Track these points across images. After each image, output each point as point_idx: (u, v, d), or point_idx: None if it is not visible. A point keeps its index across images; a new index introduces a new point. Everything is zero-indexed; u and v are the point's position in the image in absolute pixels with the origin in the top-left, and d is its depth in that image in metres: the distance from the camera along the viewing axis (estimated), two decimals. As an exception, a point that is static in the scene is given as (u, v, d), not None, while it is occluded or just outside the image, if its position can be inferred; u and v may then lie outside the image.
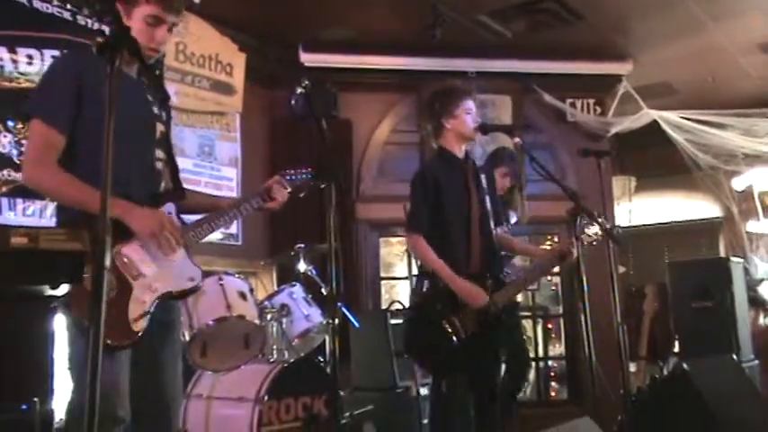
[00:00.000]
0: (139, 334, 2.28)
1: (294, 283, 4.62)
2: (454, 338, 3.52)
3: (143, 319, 2.30)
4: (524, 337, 4.70)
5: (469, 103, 3.79)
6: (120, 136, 2.22)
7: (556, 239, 7.05)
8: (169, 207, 2.52)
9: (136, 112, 2.49)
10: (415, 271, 5.29)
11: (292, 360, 4.20)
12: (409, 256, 5.43)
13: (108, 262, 1.66)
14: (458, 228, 3.68)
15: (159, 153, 2.58)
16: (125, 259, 2.34)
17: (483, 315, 3.55)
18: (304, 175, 2.88)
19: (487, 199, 3.81)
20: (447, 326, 3.53)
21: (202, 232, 2.60)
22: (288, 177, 2.84)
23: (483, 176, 3.87)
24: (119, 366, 2.28)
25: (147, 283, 2.36)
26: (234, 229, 6.01)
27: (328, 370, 4.02)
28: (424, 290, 3.69)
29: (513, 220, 4.74)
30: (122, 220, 2.30)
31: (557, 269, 7.15)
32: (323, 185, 2.79)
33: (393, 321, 5.10)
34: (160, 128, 2.61)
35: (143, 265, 2.37)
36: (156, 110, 2.60)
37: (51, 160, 2.35)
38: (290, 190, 2.83)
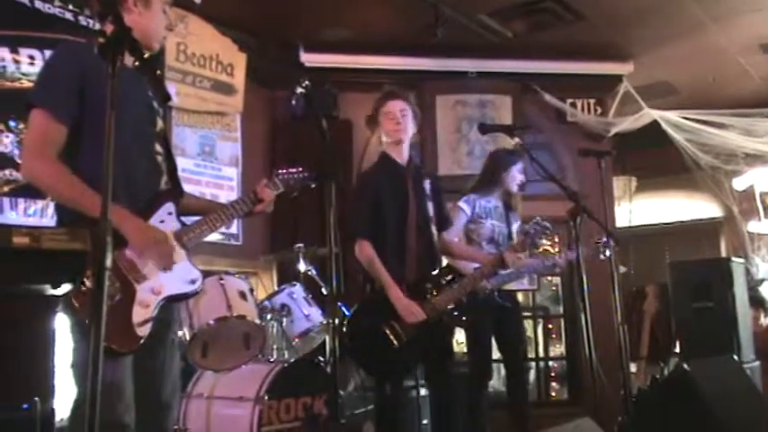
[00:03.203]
0: (143, 339, 2.26)
1: (294, 282, 4.62)
2: (395, 342, 3.55)
3: (147, 325, 2.28)
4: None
5: (389, 105, 3.79)
6: (125, 131, 2.23)
7: (556, 239, 7.04)
8: (169, 207, 2.50)
9: (139, 107, 2.49)
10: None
11: (292, 360, 4.20)
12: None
13: (109, 262, 1.65)
14: (394, 233, 3.70)
15: (158, 148, 2.57)
16: (128, 262, 2.31)
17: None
18: (297, 175, 2.88)
19: (429, 204, 3.83)
20: (387, 330, 3.56)
21: (201, 234, 2.58)
22: (280, 177, 2.84)
23: (428, 182, 3.88)
24: (123, 372, 2.25)
25: (150, 287, 2.34)
26: (234, 228, 6.02)
27: (328, 370, 4.03)
28: (367, 292, 3.73)
29: (516, 224, 4.74)
30: (118, 229, 2.23)
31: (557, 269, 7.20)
32: (314, 185, 2.81)
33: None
34: (159, 123, 2.60)
35: (146, 269, 2.35)
36: (156, 105, 2.60)
37: (51, 153, 2.30)
38: (282, 189, 2.83)
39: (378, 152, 3.92)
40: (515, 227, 4.72)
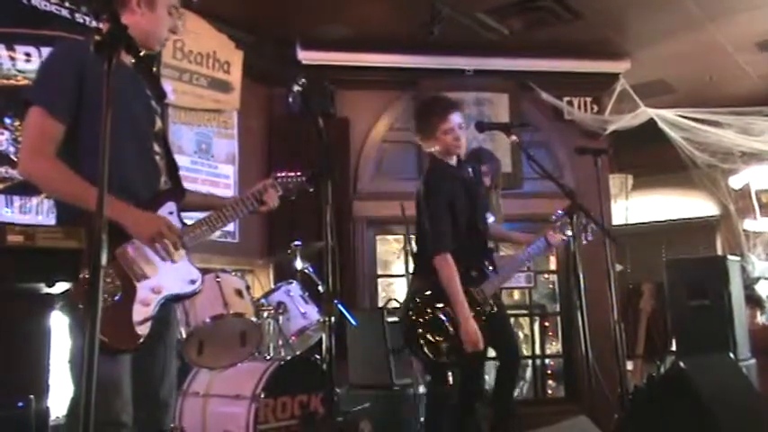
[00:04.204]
0: (142, 338, 2.26)
1: (291, 280, 4.62)
2: (450, 329, 3.57)
3: (147, 323, 2.28)
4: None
5: (451, 120, 3.78)
6: (123, 131, 2.22)
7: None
8: (170, 206, 2.49)
9: (137, 106, 2.49)
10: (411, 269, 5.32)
11: (289, 358, 4.20)
12: (406, 254, 5.46)
13: (104, 260, 1.65)
14: (465, 238, 3.74)
15: (157, 147, 2.56)
16: (130, 260, 2.31)
17: (476, 307, 3.64)
18: (296, 179, 2.87)
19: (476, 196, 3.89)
20: (441, 316, 3.58)
21: (201, 234, 2.58)
22: (280, 180, 2.83)
23: (470, 169, 3.93)
24: (121, 370, 2.25)
25: (150, 285, 2.34)
26: (230, 226, 6.00)
27: (325, 368, 4.03)
28: (421, 285, 3.76)
29: (491, 219, 4.80)
30: (119, 222, 2.25)
31: (554, 267, 7.21)
32: (312, 189, 2.80)
33: (390, 319, 5.10)
34: (158, 122, 2.59)
35: (147, 267, 2.34)
36: (154, 104, 2.60)
37: (49, 151, 2.29)
38: (281, 193, 2.83)
39: (428, 157, 3.95)
40: (490, 222, 4.77)
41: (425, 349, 3.71)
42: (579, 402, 6.53)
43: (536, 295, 7.43)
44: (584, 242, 3.95)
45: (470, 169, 3.94)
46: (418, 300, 3.75)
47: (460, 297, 3.58)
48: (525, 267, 4.94)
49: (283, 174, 2.86)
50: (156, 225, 2.35)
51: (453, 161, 3.87)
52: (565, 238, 3.89)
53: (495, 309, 3.78)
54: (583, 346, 3.37)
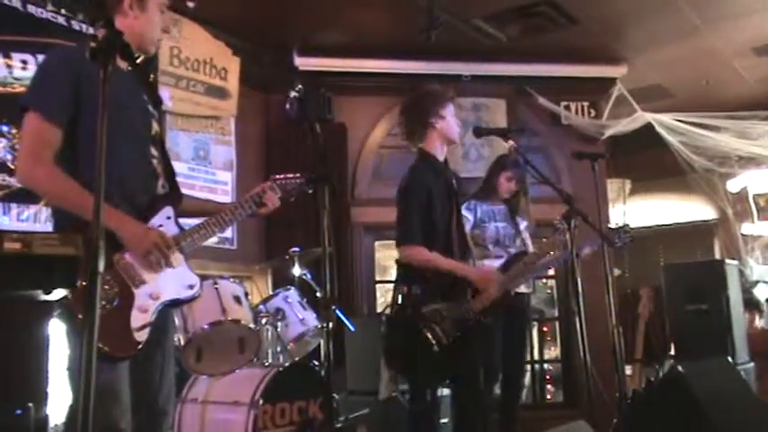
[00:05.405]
0: (141, 345, 2.26)
1: (289, 287, 4.62)
2: (435, 346, 3.44)
3: (145, 330, 2.27)
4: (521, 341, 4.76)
5: (451, 107, 3.81)
6: (120, 135, 2.21)
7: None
8: (168, 211, 2.48)
9: (134, 111, 2.48)
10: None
11: (287, 364, 4.19)
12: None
13: (101, 267, 1.65)
14: (443, 235, 3.64)
15: (154, 151, 2.55)
16: (127, 266, 2.30)
17: (462, 320, 3.51)
18: (295, 181, 2.88)
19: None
20: (427, 333, 3.45)
21: (199, 238, 2.57)
22: (279, 182, 2.83)
23: (453, 179, 3.83)
24: (119, 378, 2.25)
25: (148, 291, 2.33)
26: (228, 232, 6.00)
27: (323, 374, 4.03)
28: (402, 298, 3.61)
29: (524, 224, 4.77)
30: (115, 233, 2.25)
31: (552, 272, 7.21)
32: (311, 191, 2.80)
33: (388, 325, 5.09)
34: (155, 126, 2.59)
35: (145, 273, 2.34)
36: (151, 108, 2.59)
37: (47, 156, 2.28)
38: (280, 195, 2.83)
39: (417, 153, 3.85)
40: (523, 227, 4.74)
41: (404, 365, 3.65)
42: (578, 407, 6.53)
43: (535, 300, 7.42)
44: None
45: (454, 178, 3.84)
46: (398, 313, 3.62)
47: (447, 264, 3.50)
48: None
49: (282, 176, 2.86)
50: (150, 240, 2.34)
51: (442, 157, 3.80)
52: (556, 252, 3.86)
53: (486, 319, 3.65)
54: (581, 351, 3.37)
